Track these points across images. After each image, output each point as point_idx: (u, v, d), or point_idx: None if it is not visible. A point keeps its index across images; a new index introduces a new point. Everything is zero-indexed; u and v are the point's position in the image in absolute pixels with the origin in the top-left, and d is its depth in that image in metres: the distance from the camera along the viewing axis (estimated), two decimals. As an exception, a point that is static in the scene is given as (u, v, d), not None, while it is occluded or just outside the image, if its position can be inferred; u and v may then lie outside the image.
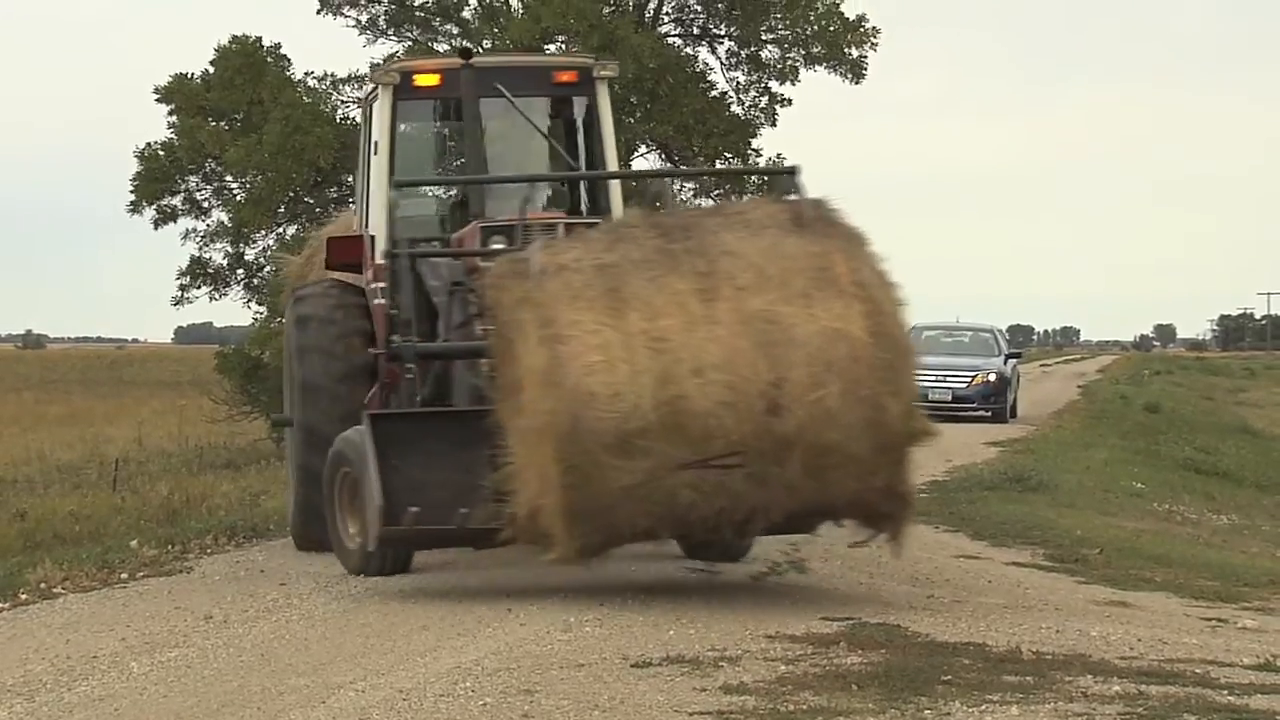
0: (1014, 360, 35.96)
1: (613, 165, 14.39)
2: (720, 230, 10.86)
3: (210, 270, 38.07)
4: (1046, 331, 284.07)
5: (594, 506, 10.31)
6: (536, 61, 15.06)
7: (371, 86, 14.48)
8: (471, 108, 13.72)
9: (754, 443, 10.23)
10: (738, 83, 39.38)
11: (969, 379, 33.22)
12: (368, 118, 14.39)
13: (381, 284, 13.19)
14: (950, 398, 32.31)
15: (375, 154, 13.85)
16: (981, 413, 32.95)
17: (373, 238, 13.70)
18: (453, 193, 14.60)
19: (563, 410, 10.13)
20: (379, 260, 13.36)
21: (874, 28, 37.72)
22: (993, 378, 33.41)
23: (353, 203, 18.22)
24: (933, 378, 30.84)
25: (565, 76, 14.36)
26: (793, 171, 12.42)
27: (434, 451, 11.52)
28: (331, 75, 37.52)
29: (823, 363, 10.30)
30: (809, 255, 10.64)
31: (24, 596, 12.01)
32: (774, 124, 39.27)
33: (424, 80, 13.88)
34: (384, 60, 37.01)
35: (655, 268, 10.55)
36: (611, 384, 10.15)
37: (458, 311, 12.51)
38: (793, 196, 11.76)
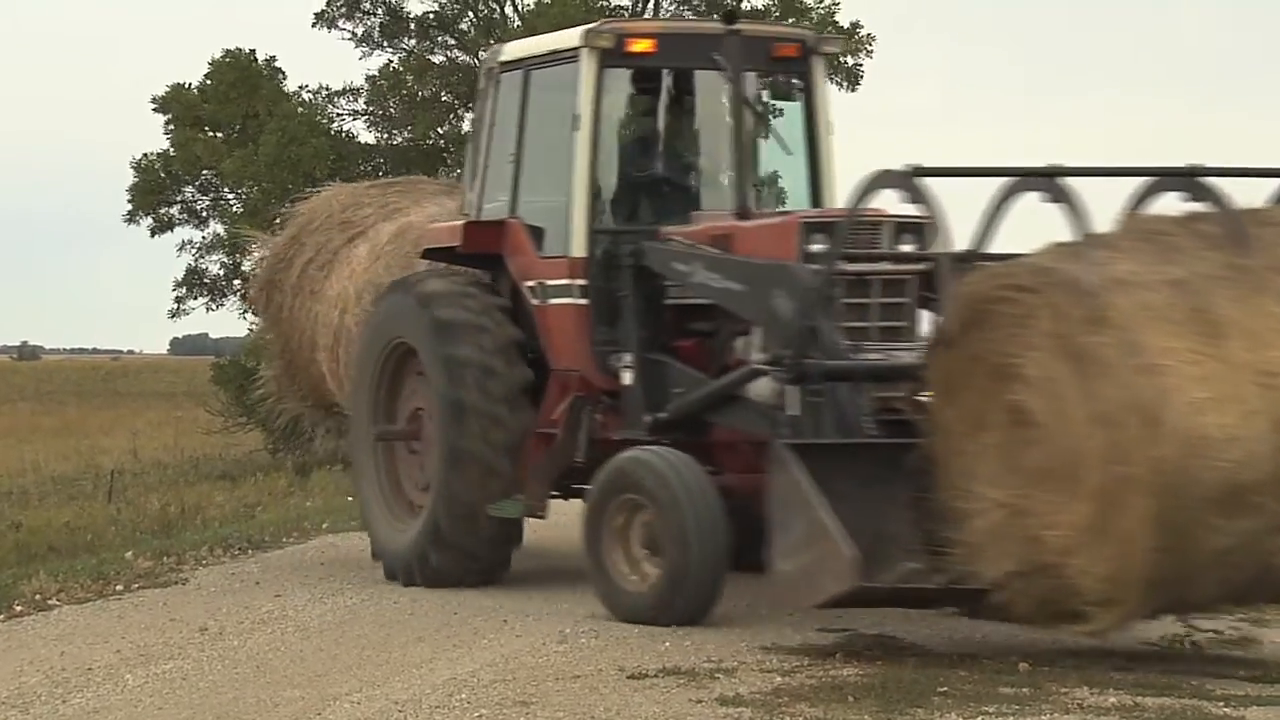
0: None
1: (828, 154, 12.49)
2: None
3: (206, 281, 38.10)
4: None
5: (1179, 574, 8.62)
6: (757, 30, 12.77)
7: (493, 56, 12.67)
8: (683, 79, 12.32)
9: None
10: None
11: None
12: (493, 90, 12.42)
13: (579, 282, 11.60)
14: None
15: (577, 128, 11.60)
16: None
17: (534, 228, 11.97)
18: (640, 176, 12.34)
19: (1169, 457, 8.37)
20: (576, 254, 11.61)
21: (869, 35, 37.84)
22: None
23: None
24: None
25: (786, 50, 12.36)
26: (1198, 173, 9.49)
27: (844, 491, 9.42)
28: (326, 88, 37.60)
29: None
30: None
31: (19, 608, 11.99)
32: (765, 136, 39.39)
33: (639, 46, 11.88)
34: (380, 70, 37.11)
35: (1236, 286, 8.85)
36: (1224, 426, 8.46)
37: (831, 321, 10.23)
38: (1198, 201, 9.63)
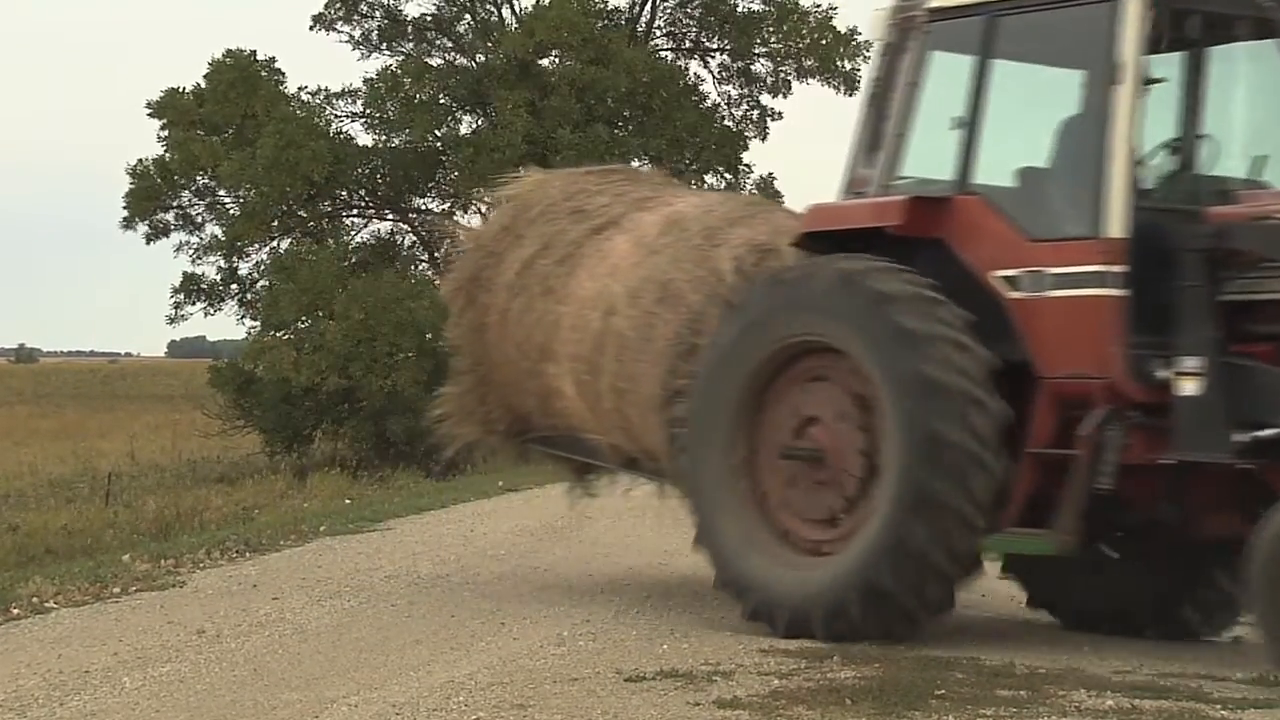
0: None
1: None
2: None
3: (204, 286, 38.13)
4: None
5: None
6: None
7: (917, 4, 10.48)
8: (1222, 25, 10.24)
9: None
10: (729, 96, 39.52)
11: None
12: (917, 45, 10.40)
13: (1115, 269, 9.49)
14: None
15: (1117, 81, 9.55)
16: None
17: (1017, 204, 10.05)
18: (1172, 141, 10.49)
19: None
20: (1114, 234, 9.53)
21: (866, 40, 37.87)
22: None
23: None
24: None
25: None
26: None
27: None
28: (325, 90, 37.63)
29: None
30: None
31: (15, 611, 11.98)
32: (764, 137, 39.43)
33: None
34: (378, 72, 37.12)
35: None
36: None
37: None
38: None
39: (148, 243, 38.25)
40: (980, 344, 9.63)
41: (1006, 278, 9.82)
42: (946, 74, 10.29)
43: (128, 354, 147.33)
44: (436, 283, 37.08)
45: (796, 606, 9.94)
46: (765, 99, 39.24)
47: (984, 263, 9.91)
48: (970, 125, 10.10)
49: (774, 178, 38.73)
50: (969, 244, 9.97)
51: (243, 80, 36.72)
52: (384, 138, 37.26)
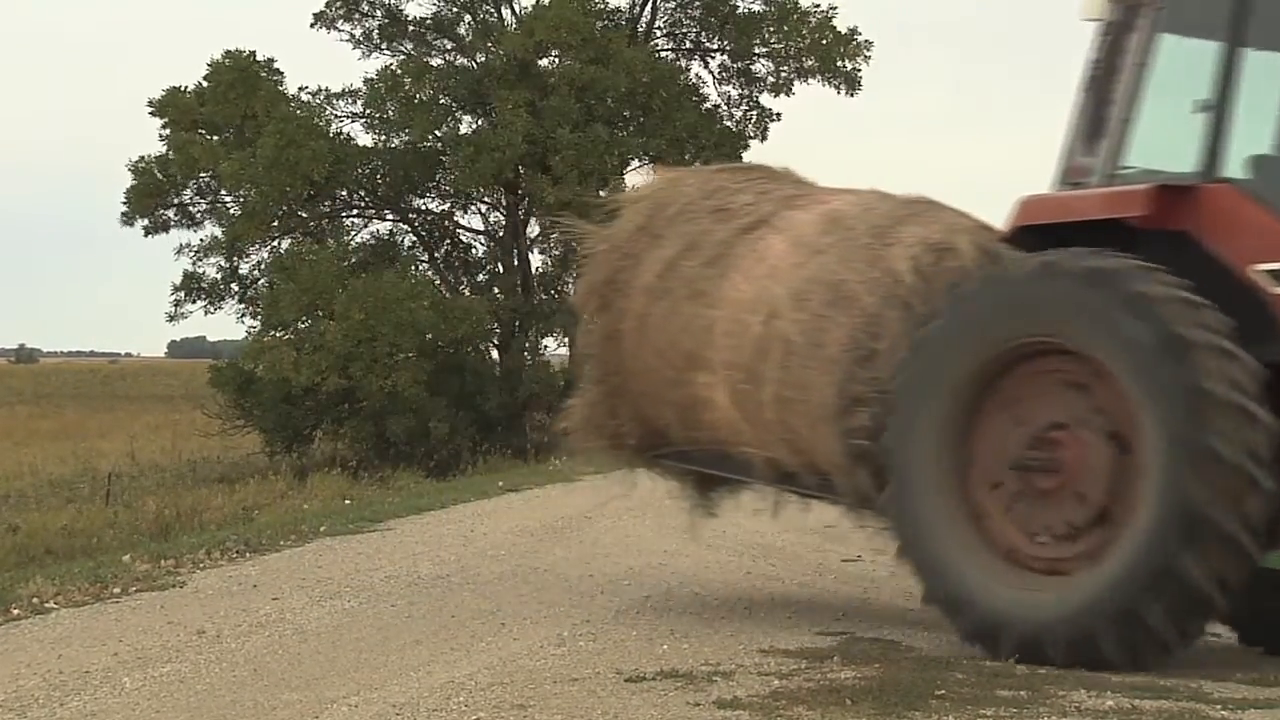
0: None
1: None
2: None
3: (204, 285, 38.14)
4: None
5: None
6: None
7: None
8: None
9: None
10: (729, 96, 39.52)
11: None
12: (1148, 23, 9.67)
13: None
14: None
15: None
16: None
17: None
18: None
19: None
20: None
21: (866, 40, 37.88)
22: None
23: None
24: None
25: None
26: None
27: None
28: (325, 90, 37.64)
29: None
30: None
31: (16, 611, 11.98)
32: (764, 138, 39.43)
33: None
34: (378, 72, 37.14)
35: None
36: None
37: None
38: None
39: (146, 235, 38.24)
40: (1242, 351, 8.90)
41: (1272, 272, 9.13)
42: (1171, 56, 9.60)
43: (128, 354, 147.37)
44: (437, 283, 37.15)
45: (1028, 629, 9.17)
46: (765, 99, 39.26)
47: (1252, 255, 9.17)
48: (1219, 105, 9.35)
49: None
50: (1223, 236, 9.24)
51: (243, 80, 36.72)
52: (384, 138, 37.27)
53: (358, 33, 38.78)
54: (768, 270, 11.13)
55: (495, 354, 36.80)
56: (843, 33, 37.85)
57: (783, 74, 38.68)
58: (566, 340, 37.55)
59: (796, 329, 10.79)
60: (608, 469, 13.09)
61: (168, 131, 37.68)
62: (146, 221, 38.16)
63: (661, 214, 11.82)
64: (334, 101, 37.65)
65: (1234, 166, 9.47)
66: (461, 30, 38.84)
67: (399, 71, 37.01)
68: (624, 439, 11.84)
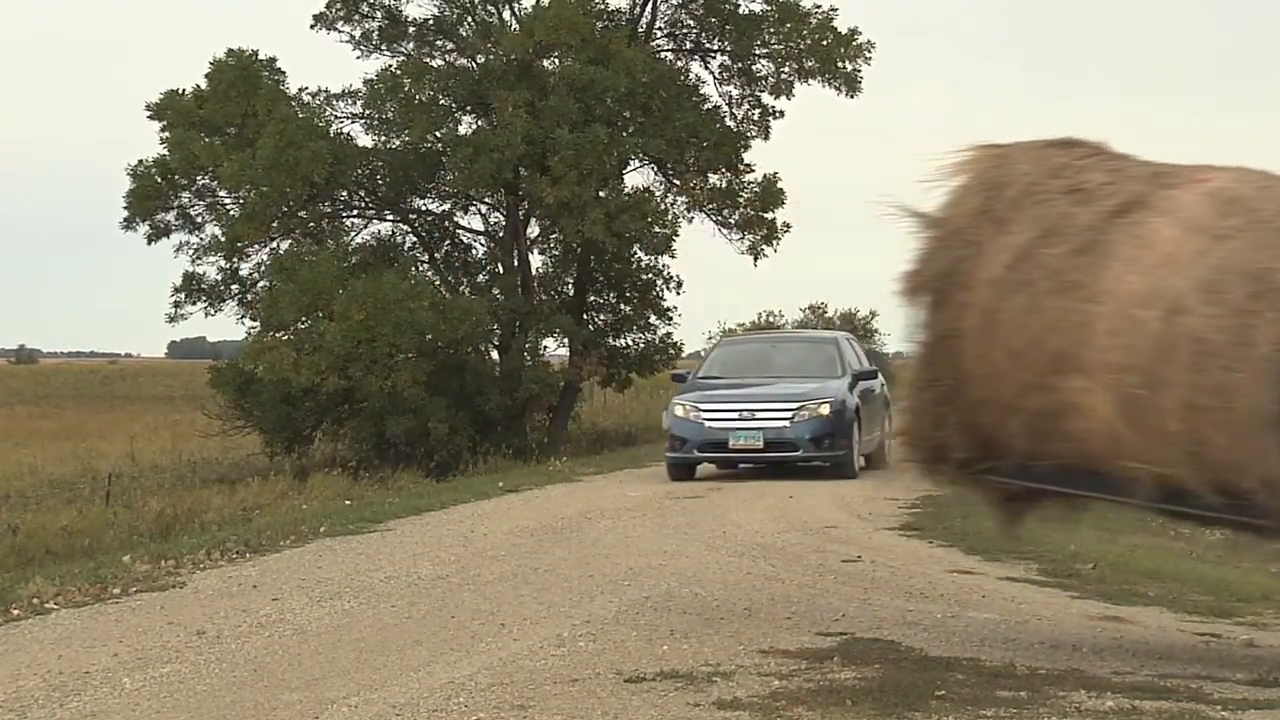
0: (868, 382, 24.88)
1: None
2: None
3: (204, 286, 38.14)
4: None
5: None
6: None
7: None
8: None
9: None
10: (730, 96, 39.51)
11: (789, 414, 23.15)
12: None
13: None
14: (760, 443, 23.02)
15: None
16: (816, 461, 23.35)
17: None
18: None
19: None
20: None
21: (868, 41, 37.86)
22: (825, 410, 23.09)
23: None
24: (733, 413, 23.19)
25: None
26: None
27: None
28: (325, 90, 37.65)
29: None
30: None
31: (16, 612, 11.99)
32: (766, 137, 39.41)
33: None
34: (378, 73, 37.17)
35: None
36: None
37: None
38: None
39: (149, 243, 38.26)
40: None
41: None
42: None
43: (128, 355, 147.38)
44: (437, 283, 37.14)
45: None
46: (767, 99, 39.25)
47: None
48: None
49: (777, 176, 38.70)
50: None
51: (243, 80, 36.74)
52: (384, 138, 37.26)
53: (357, 34, 38.80)
54: (1160, 259, 9.70)
55: (495, 354, 36.81)
56: (843, 33, 37.84)
57: (783, 75, 38.68)
58: (567, 341, 37.61)
59: (1211, 326, 9.34)
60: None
61: (166, 134, 37.69)
62: (147, 227, 38.16)
63: (1001, 196, 10.30)
64: (334, 102, 37.65)
65: None
66: (461, 31, 38.85)
67: (399, 72, 37.00)
68: (948, 453, 10.26)
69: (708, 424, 22.94)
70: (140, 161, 38.00)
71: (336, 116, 37.50)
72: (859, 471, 23.42)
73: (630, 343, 37.90)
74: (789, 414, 23.00)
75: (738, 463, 23.80)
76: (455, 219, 38.98)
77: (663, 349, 37.87)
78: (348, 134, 37.45)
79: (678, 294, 39.29)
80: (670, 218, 37.22)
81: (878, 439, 24.71)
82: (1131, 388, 9.37)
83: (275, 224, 36.80)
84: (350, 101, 37.72)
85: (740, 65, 39.31)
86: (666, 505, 18.76)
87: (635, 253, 38.03)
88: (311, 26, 38.92)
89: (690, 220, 38.24)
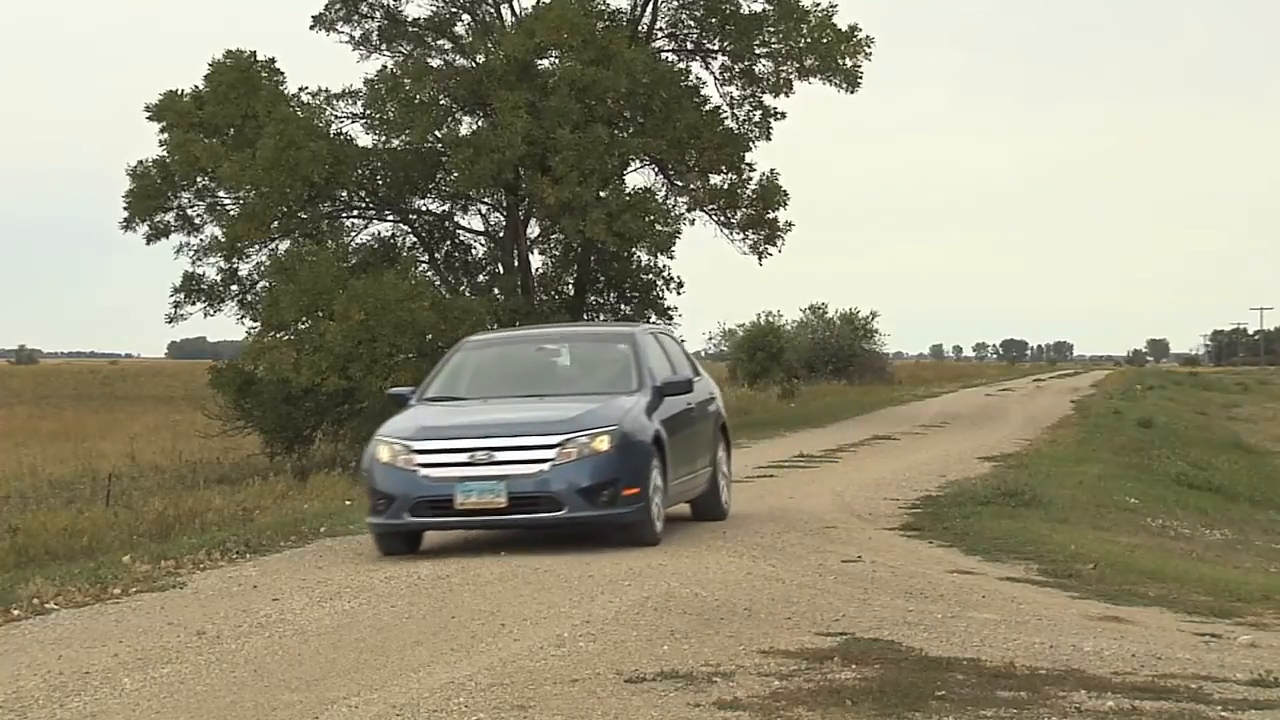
0: (683, 396, 16.05)
1: None
2: None
3: (204, 287, 38.15)
4: (1040, 346, 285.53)
5: None
6: None
7: None
8: None
9: None
10: (731, 97, 39.51)
11: (548, 452, 14.34)
12: None
13: None
14: (502, 498, 14.21)
15: None
16: (592, 521, 14.45)
17: None
18: None
19: None
20: None
21: (867, 37, 37.88)
22: (604, 443, 14.41)
23: None
24: (462, 454, 14.30)
25: None
26: None
27: None
28: (325, 91, 37.64)
29: None
30: None
31: (16, 612, 11.99)
32: (768, 137, 39.42)
33: None
34: (378, 73, 37.15)
35: None
36: None
37: None
38: None
39: (148, 243, 38.28)
40: None
41: None
42: None
43: (128, 355, 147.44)
44: (437, 283, 37.14)
45: None
46: (768, 99, 39.25)
47: None
48: None
49: (777, 174, 38.69)
50: None
51: (243, 81, 36.74)
52: (384, 138, 37.28)
53: (357, 34, 38.83)
54: None
55: (495, 355, 36.79)
56: (843, 30, 37.86)
57: (783, 74, 38.69)
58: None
59: None
60: None
61: (165, 135, 37.68)
62: (147, 227, 38.17)
63: None
64: (334, 102, 37.67)
65: None
66: (461, 31, 38.85)
67: (399, 72, 37.02)
68: None
69: (423, 473, 14.34)
70: (140, 162, 38.04)
71: (336, 117, 37.53)
72: (659, 535, 14.82)
73: (630, 343, 37.87)
74: (548, 452, 14.30)
75: (471, 526, 14.96)
76: (455, 219, 39.00)
77: (663, 349, 37.85)
78: (347, 134, 37.48)
79: (678, 294, 39.33)
80: (672, 217, 37.26)
81: (704, 478, 16.60)
82: None
83: (275, 224, 36.81)
84: (350, 101, 37.75)
85: (741, 66, 39.32)
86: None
87: (635, 253, 38.05)
88: (311, 27, 38.95)
89: (692, 223, 38.27)
